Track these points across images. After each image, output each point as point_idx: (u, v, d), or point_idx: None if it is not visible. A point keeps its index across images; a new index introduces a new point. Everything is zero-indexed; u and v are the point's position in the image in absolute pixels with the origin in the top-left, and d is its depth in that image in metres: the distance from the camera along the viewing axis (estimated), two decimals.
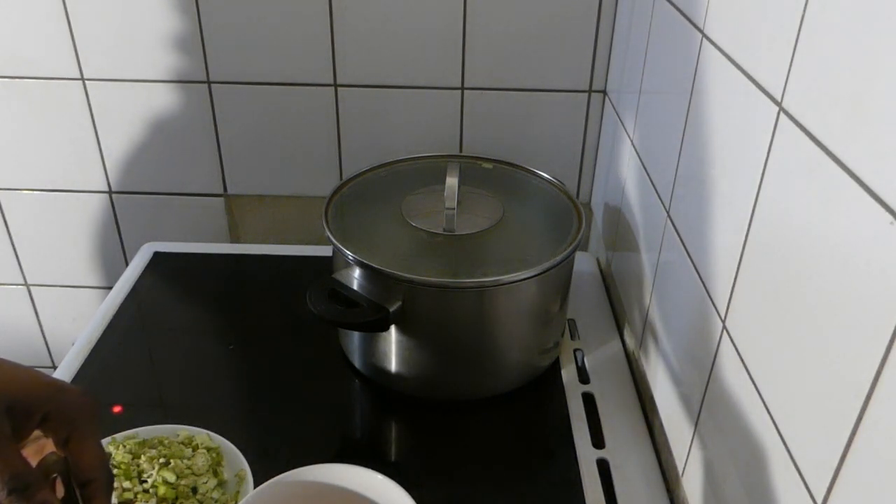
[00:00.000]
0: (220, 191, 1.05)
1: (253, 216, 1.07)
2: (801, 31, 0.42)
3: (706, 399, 0.58)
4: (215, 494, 0.60)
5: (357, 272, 0.70)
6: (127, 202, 1.06)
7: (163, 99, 0.98)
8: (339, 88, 0.97)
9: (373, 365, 0.77)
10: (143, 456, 0.61)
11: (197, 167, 1.03)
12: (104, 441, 0.62)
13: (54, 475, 0.48)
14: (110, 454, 0.61)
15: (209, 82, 0.97)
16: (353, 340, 0.77)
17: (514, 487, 0.67)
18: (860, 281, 0.36)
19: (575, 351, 0.83)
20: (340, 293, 0.69)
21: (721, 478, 0.55)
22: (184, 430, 0.64)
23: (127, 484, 0.58)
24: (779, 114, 0.45)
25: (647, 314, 0.75)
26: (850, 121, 0.37)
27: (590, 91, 0.97)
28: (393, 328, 0.70)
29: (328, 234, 0.73)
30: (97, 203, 1.06)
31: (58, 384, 0.42)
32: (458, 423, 0.74)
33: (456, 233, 0.74)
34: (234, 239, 1.09)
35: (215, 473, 0.61)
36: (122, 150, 1.02)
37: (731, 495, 0.53)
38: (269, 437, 0.70)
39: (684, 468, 0.63)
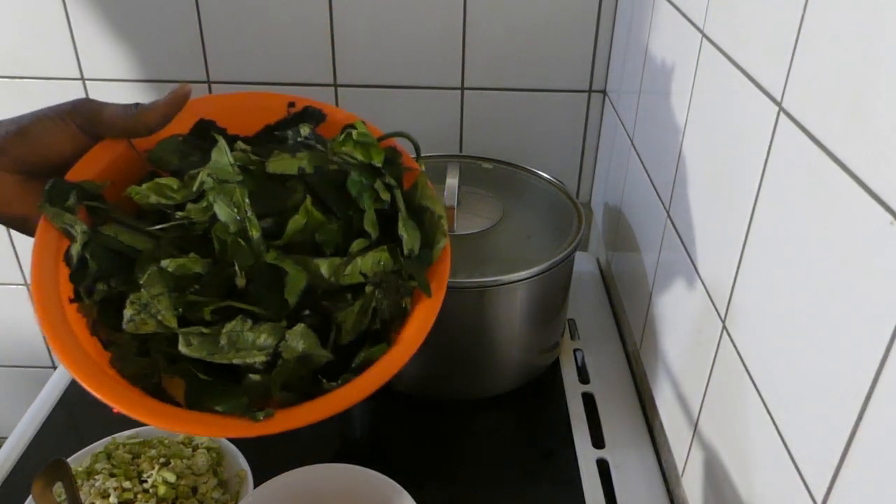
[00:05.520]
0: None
1: None
2: (801, 31, 0.42)
3: (706, 399, 0.58)
4: (215, 494, 0.59)
5: None
6: None
7: None
8: (339, 88, 0.97)
9: None
10: (143, 456, 0.61)
11: None
12: (104, 441, 0.63)
13: (58, 482, 0.48)
14: (110, 454, 0.62)
15: (209, 82, 0.97)
16: None
17: (514, 487, 0.67)
18: (860, 281, 0.36)
19: (575, 351, 0.83)
20: None
21: (721, 478, 0.55)
22: None
23: (127, 484, 0.58)
24: (779, 114, 0.45)
25: (647, 314, 0.75)
26: (850, 121, 0.37)
27: (590, 91, 0.97)
28: None
29: None
30: None
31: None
32: (459, 423, 0.74)
33: (456, 233, 0.74)
34: None
35: (215, 473, 0.61)
36: None
37: (730, 495, 0.53)
38: (269, 437, 0.70)
39: (684, 468, 0.63)
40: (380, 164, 0.50)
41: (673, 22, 0.68)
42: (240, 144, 0.50)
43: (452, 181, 0.75)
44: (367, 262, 0.46)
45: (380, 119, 1.04)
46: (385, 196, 0.49)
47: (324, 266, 0.45)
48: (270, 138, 0.52)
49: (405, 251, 0.48)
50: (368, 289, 0.46)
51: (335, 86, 0.97)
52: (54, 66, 0.96)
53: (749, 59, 0.50)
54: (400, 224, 0.48)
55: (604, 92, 0.97)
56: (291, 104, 0.53)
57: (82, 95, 0.97)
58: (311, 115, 0.53)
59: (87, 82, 0.97)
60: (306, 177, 0.49)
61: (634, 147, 0.82)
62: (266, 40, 0.94)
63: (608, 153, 0.96)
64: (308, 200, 0.47)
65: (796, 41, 0.43)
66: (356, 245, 0.47)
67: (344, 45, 0.94)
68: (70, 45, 0.95)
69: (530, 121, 0.98)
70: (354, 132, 0.51)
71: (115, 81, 0.97)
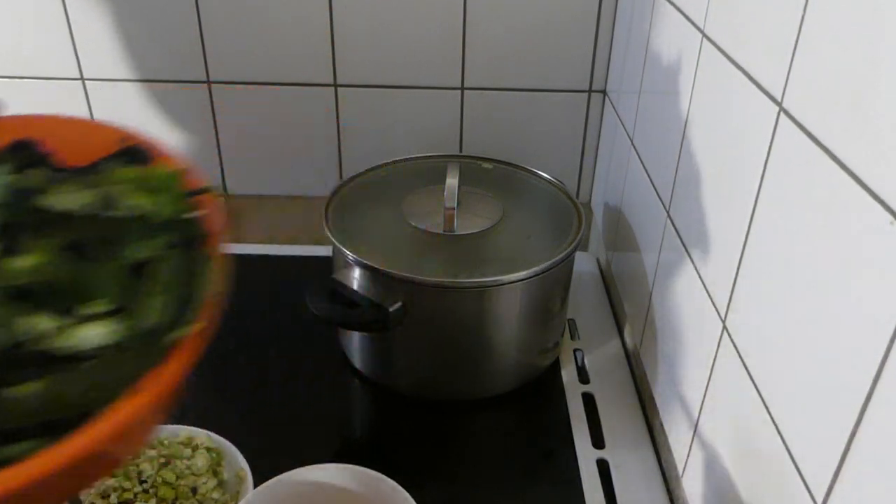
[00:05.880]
0: (220, 191, 1.05)
1: (253, 216, 1.07)
2: (801, 31, 0.42)
3: (706, 399, 0.58)
4: (215, 494, 0.59)
5: (357, 272, 0.70)
6: None
7: (163, 99, 0.98)
8: (339, 88, 0.97)
9: (373, 365, 0.77)
10: (142, 456, 0.61)
11: (197, 167, 1.03)
12: None
13: None
14: None
15: (209, 82, 0.97)
16: (354, 340, 0.77)
17: (514, 487, 0.67)
18: (860, 281, 0.36)
19: (575, 351, 0.83)
20: (340, 293, 0.69)
21: (721, 478, 0.55)
22: (184, 431, 0.64)
23: (127, 484, 0.58)
24: (779, 114, 0.45)
25: (647, 314, 0.75)
26: (850, 121, 0.37)
27: (590, 91, 0.97)
28: (393, 328, 0.70)
29: (328, 234, 0.73)
30: None
31: None
32: (459, 423, 0.74)
33: (456, 233, 0.74)
34: (234, 239, 1.09)
35: (215, 473, 0.61)
36: None
37: (730, 495, 0.53)
38: (269, 437, 0.70)
39: (684, 468, 0.63)
40: (165, 217, 0.45)
41: (673, 22, 0.68)
42: (32, 171, 0.45)
43: (452, 181, 0.75)
44: (86, 332, 0.38)
45: (380, 119, 1.05)
46: (139, 255, 0.42)
47: (33, 323, 0.37)
48: (96, 171, 0.47)
49: (140, 325, 0.39)
50: (69, 368, 0.37)
51: (335, 86, 0.97)
52: (54, 66, 0.96)
53: (749, 59, 0.50)
54: (147, 295, 0.41)
55: (604, 92, 0.97)
56: (125, 139, 0.49)
57: (82, 95, 0.98)
58: (135, 154, 0.49)
59: (86, 82, 0.97)
60: (84, 217, 0.43)
61: (634, 147, 0.82)
62: (266, 40, 0.94)
63: (608, 153, 0.96)
64: (50, 241, 0.40)
65: (796, 41, 0.43)
66: (88, 307, 0.39)
67: (344, 45, 0.94)
68: (70, 45, 0.95)
69: (530, 121, 0.98)
70: (135, 171, 0.46)
71: (115, 81, 0.97)
